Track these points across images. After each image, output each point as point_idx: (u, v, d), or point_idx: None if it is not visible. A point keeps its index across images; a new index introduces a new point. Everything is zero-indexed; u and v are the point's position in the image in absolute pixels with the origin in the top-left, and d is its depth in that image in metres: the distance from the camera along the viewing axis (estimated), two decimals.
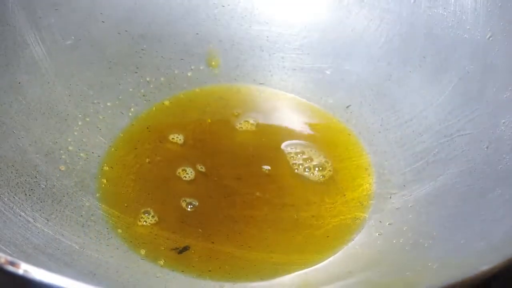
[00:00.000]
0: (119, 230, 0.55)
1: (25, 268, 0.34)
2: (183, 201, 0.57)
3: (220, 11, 0.68)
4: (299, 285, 0.52)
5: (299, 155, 0.61)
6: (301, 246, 0.55)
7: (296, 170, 0.60)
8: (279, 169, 0.60)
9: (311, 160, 0.60)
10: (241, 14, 0.68)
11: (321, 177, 0.60)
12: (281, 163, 0.61)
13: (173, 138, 0.62)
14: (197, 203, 0.57)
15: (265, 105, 0.66)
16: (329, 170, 0.60)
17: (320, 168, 0.60)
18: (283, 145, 0.62)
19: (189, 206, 0.57)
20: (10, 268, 0.34)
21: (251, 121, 0.64)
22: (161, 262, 0.53)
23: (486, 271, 0.38)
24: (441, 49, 0.61)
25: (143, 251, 0.54)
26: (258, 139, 0.63)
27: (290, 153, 0.61)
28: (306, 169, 0.60)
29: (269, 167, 0.60)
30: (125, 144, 0.61)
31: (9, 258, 0.34)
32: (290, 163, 0.60)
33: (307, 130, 0.64)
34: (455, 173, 0.55)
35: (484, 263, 0.40)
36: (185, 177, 0.59)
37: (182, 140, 0.62)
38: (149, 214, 0.56)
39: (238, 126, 0.64)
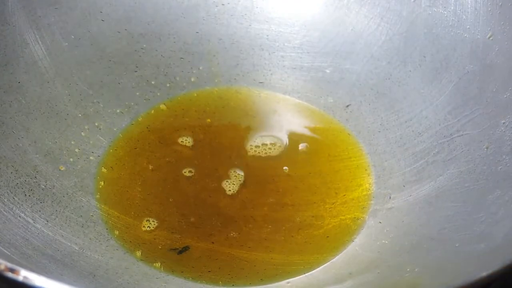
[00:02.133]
0: (119, 231, 0.55)
1: (24, 275, 0.34)
2: (182, 201, 0.57)
3: (220, 9, 0.68)
4: (298, 287, 0.52)
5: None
6: (301, 246, 0.55)
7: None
8: (277, 169, 0.60)
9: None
10: (241, 13, 0.68)
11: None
12: (278, 162, 0.61)
13: (172, 138, 0.62)
14: (196, 203, 0.57)
15: (265, 104, 0.66)
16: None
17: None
18: (279, 144, 0.62)
19: (189, 206, 0.57)
20: (10, 274, 0.34)
21: (251, 121, 0.64)
22: (161, 263, 0.53)
23: (485, 277, 0.38)
24: (441, 49, 0.60)
25: (142, 252, 0.54)
26: (257, 139, 0.63)
27: (289, 152, 0.61)
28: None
29: (267, 167, 0.60)
30: (125, 144, 0.61)
31: (9, 264, 0.34)
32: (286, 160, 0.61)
33: (306, 130, 0.64)
34: (455, 173, 0.55)
35: (483, 266, 0.40)
36: (185, 177, 0.59)
37: (182, 140, 0.62)
38: (149, 214, 0.56)
39: (238, 126, 0.64)
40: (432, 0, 0.61)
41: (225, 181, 0.59)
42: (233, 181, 0.59)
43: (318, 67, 0.66)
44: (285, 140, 0.62)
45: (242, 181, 0.59)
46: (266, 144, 0.62)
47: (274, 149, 0.62)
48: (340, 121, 0.64)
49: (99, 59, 0.64)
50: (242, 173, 0.59)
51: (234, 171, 0.60)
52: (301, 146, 0.62)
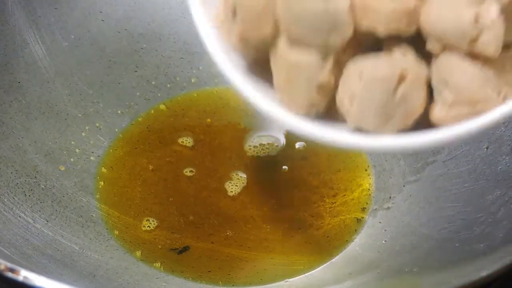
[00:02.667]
0: (119, 231, 0.55)
1: (24, 275, 0.34)
2: (182, 201, 0.57)
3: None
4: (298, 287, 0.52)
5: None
6: (301, 247, 0.55)
7: None
8: (277, 169, 0.60)
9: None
10: None
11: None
12: (278, 162, 0.61)
13: (173, 138, 0.62)
14: (196, 203, 0.57)
15: None
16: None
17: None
18: (278, 144, 0.62)
19: (189, 206, 0.57)
20: (10, 274, 0.34)
21: (251, 122, 0.64)
22: (160, 263, 0.53)
23: (485, 276, 0.38)
24: None
25: (142, 252, 0.54)
26: (257, 139, 0.62)
27: (290, 151, 0.61)
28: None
29: (267, 167, 0.60)
30: (125, 144, 0.61)
31: (9, 264, 0.34)
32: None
33: None
34: (455, 173, 0.55)
35: (484, 266, 0.40)
36: (185, 177, 0.59)
37: (182, 140, 0.62)
38: (149, 214, 0.56)
39: (238, 126, 0.63)
40: None
41: (228, 182, 0.59)
42: (236, 183, 0.59)
43: None
44: (285, 140, 0.62)
45: (245, 184, 0.59)
46: (264, 144, 0.62)
47: (273, 149, 0.61)
48: None
49: (99, 59, 0.64)
50: (244, 176, 0.59)
51: (236, 173, 0.59)
52: (300, 146, 0.62)
